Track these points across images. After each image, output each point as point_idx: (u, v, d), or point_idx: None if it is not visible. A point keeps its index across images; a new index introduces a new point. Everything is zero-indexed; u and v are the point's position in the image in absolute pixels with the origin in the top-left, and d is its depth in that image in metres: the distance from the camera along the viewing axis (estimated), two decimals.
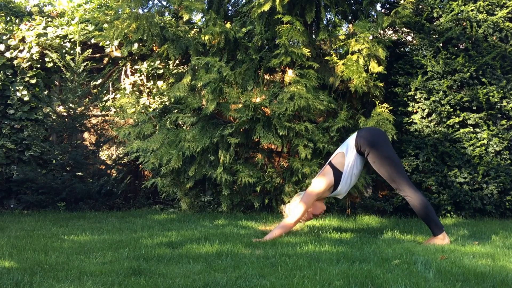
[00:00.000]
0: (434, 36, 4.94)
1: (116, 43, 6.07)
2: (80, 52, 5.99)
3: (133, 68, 6.32)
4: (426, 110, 4.84)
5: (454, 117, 4.76)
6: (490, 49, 4.78)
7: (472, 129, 4.74)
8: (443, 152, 4.76)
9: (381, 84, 4.67)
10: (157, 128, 5.18)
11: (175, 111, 5.21)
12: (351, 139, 3.46)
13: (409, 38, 5.32)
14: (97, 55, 6.31)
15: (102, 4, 6.46)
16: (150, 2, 5.42)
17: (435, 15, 5.01)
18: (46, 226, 4.13)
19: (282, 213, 3.62)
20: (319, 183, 3.45)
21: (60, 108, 6.04)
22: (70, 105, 5.86)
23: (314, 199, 3.46)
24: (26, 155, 5.84)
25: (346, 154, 3.43)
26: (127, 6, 5.03)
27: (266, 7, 4.46)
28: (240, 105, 4.63)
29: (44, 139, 6.02)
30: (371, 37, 4.71)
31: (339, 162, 3.44)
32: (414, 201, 3.28)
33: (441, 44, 4.90)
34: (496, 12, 4.87)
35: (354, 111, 4.90)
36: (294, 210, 3.43)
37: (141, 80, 6.24)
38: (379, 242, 3.16)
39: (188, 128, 5.16)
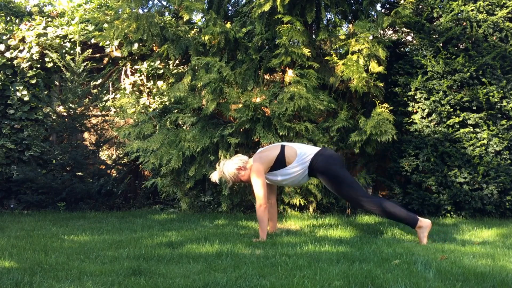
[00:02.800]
0: (434, 36, 4.94)
1: (116, 43, 6.07)
2: (80, 52, 5.99)
3: (133, 68, 6.32)
4: (426, 110, 4.84)
5: (454, 117, 4.76)
6: (490, 49, 4.77)
7: (472, 129, 4.74)
8: (443, 152, 4.76)
9: (381, 84, 4.67)
10: (157, 128, 5.18)
11: (175, 111, 5.21)
12: (310, 152, 3.44)
13: (409, 38, 5.32)
14: (97, 55, 6.31)
15: (102, 4, 6.46)
16: (150, 2, 5.43)
17: (435, 15, 5.01)
18: (46, 226, 4.13)
19: (217, 165, 3.60)
20: (265, 159, 3.46)
21: (60, 108, 6.04)
22: (70, 105, 5.86)
23: (263, 171, 3.44)
24: (26, 155, 5.84)
25: (299, 156, 3.42)
26: (127, 6, 5.03)
27: (266, 7, 4.46)
28: (240, 105, 4.63)
29: (44, 139, 6.01)
30: (371, 37, 4.71)
31: (289, 155, 3.45)
32: (380, 212, 3.33)
33: (441, 44, 4.90)
34: (496, 12, 4.87)
35: (354, 111, 4.90)
36: (255, 193, 3.43)
37: (141, 80, 6.24)
38: (379, 242, 3.16)
39: (188, 128, 5.16)
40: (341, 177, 3.38)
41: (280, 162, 3.45)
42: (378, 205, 3.30)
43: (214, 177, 3.59)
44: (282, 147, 3.50)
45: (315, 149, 3.49)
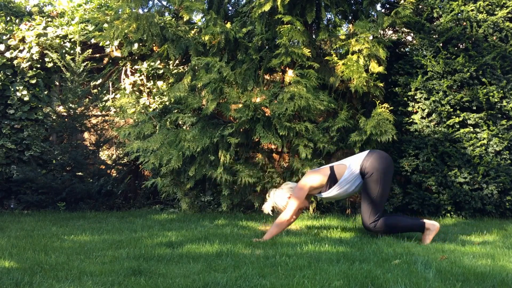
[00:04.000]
0: (434, 36, 4.94)
1: (116, 43, 6.07)
2: (80, 52, 5.99)
3: (133, 68, 6.32)
4: (426, 110, 4.84)
5: (454, 117, 4.76)
6: (490, 49, 4.77)
7: (472, 129, 4.74)
8: (443, 152, 4.76)
9: (381, 84, 4.67)
10: (157, 128, 5.18)
11: (175, 111, 5.21)
12: (359, 158, 3.42)
13: (409, 38, 5.32)
14: (97, 55, 6.31)
15: (102, 4, 6.46)
16: (150, 2, 5.42)
17: (435, 15, 5.01)
18: (46, 226, 4.13)
19: (267, 196, 3.60)
20: (314, 178, 3.45)
21: (60, 108, 6.04)
22: (70, 105, 5.86)
23: (306, 193, 3.43)
24: (26, 155, 5.84)
25: (349, 169, 3.41)
26: (127, 6, 5.03)
27: (266, 7, 4.46)
28: (240, 105, 4.63)
29: (44, 139, 6.01)
30: (371, 37, 4.71)
31: (339, 171, 3.44)
32: (389, 229, 3.33)
33: (441, 44, 4.90)
34: (496, 12, 4.87)
35: (354, 111, 4.90)
36: (288, 205, 3.41)
37: (141, 80, 6.24)
38: (379, 242, 3.16)
39: (188, 128, 5.16)
40: (380, 184, 3.30)
41: (332, 180, 3.42)
42: (386, 225, 3.31)
43: (267, 209, 3.55)
44: (331, 168, 3.47)
45: (364, 154, 3.45)
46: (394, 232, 3.38)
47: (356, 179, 3.40)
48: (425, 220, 3.30)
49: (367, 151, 3.48)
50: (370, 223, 3.31)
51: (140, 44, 5.91)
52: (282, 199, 3.47)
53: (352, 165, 3.42)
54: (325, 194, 3.47)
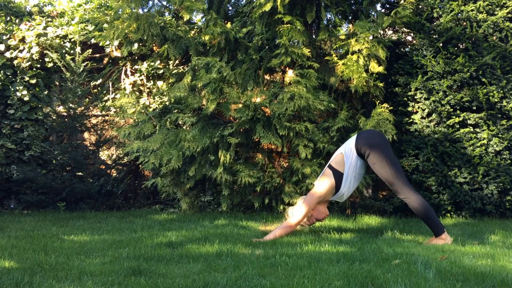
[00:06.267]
0: (434, 36, 4.94)
1: (116, 43, 6.07)
2: (80, 52, 5.99)
3: (133, 68, 6.32)
4: (426, 110, 4.84)
5: (454, 117, 4.76)
6: (490, 49, 4.78)
7: (472, 129, 4.74)
8: (443, 152, 4.76)
9: (381, 84, 4.67)
10: (157, 128, 5.17)
11: (175, 111, 5.21)
12: (351, 141, 3.46)
13: (409, 38, 5.33)
14: (97, 55, 6.31)
15: (102, 4, 6.46)
16: (150, 2, 5.42)
17: (435, 15, 5.01)
18: (46, 226, 4.13)
19: (285, 214, 3.62)
20: (321, 185, 3.45)
21: (60, 108, 6.04)
22: (70, 105, 5.86)
23: (316, 201, 3.45)
24: (26, 155, 5.84)
25: (346, 156, 3.43)
26: (127, 6, 5.03)
27: (267, 7, 4.46)
28: (240, 105, 4.63)
29: (44, 139, 6.01)
30: (371, 37, 4.71)
31: (339, 164, 3.45)
32: (414, 204, 3.30)
33: (441, 44, 4.90)
34: (496, 12, 4.87)
35: (354, 111, 4.90)
36: (296, 211, 3.43)
37: (141, 80, 6.24)
38: (379, 242, 3.16)
39: (188, 128, 5.16)
40: (384, 156, 3.34)
41: (337, 176, 3.43)
42: (415, 199, 3.29)
43: None
44: (330, 166, 3.48)
45: (354, 137, 3.48)
46: (422, 214, 3.30)
47: (357, 162, 3.42)
48: (445, 230, 3.29)
49: (356, 134, 3.51)
50: (403, 193, 3.30)
51: (140, 44, 5.91)
52: (296, 209, 3.48)
53: (347, 151, 3.44)
54: (342, 190, 3.46)
